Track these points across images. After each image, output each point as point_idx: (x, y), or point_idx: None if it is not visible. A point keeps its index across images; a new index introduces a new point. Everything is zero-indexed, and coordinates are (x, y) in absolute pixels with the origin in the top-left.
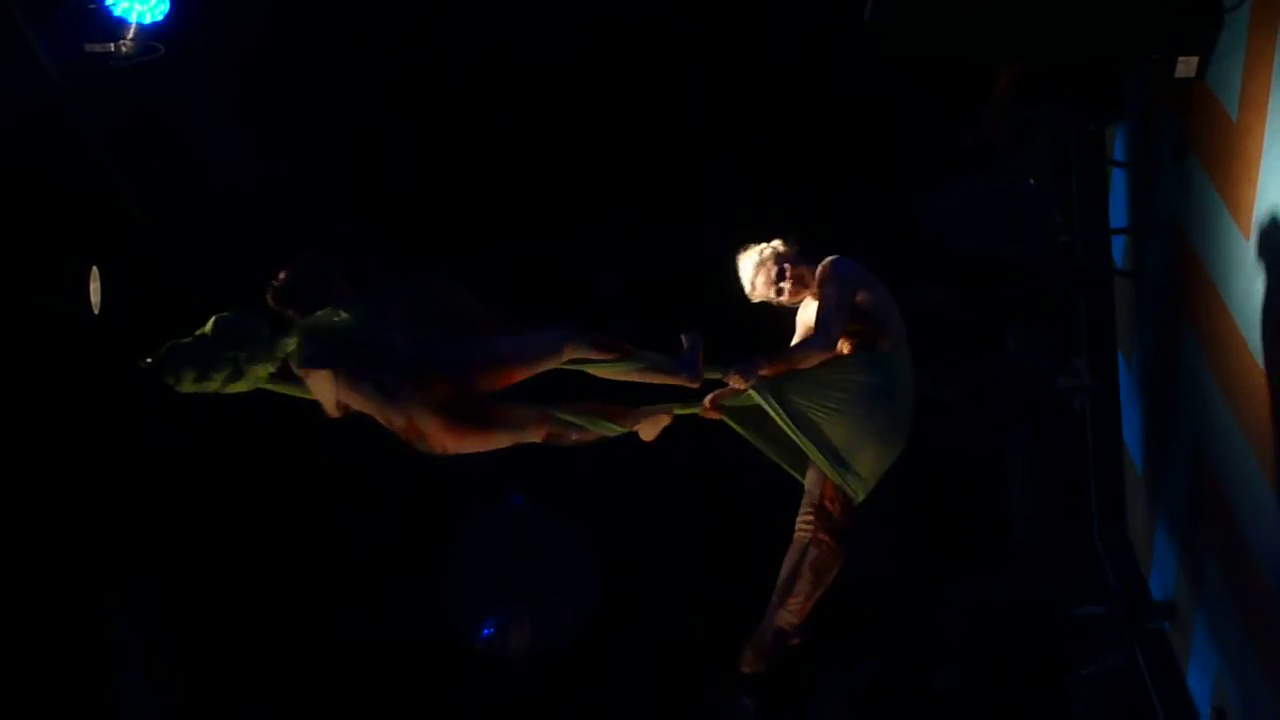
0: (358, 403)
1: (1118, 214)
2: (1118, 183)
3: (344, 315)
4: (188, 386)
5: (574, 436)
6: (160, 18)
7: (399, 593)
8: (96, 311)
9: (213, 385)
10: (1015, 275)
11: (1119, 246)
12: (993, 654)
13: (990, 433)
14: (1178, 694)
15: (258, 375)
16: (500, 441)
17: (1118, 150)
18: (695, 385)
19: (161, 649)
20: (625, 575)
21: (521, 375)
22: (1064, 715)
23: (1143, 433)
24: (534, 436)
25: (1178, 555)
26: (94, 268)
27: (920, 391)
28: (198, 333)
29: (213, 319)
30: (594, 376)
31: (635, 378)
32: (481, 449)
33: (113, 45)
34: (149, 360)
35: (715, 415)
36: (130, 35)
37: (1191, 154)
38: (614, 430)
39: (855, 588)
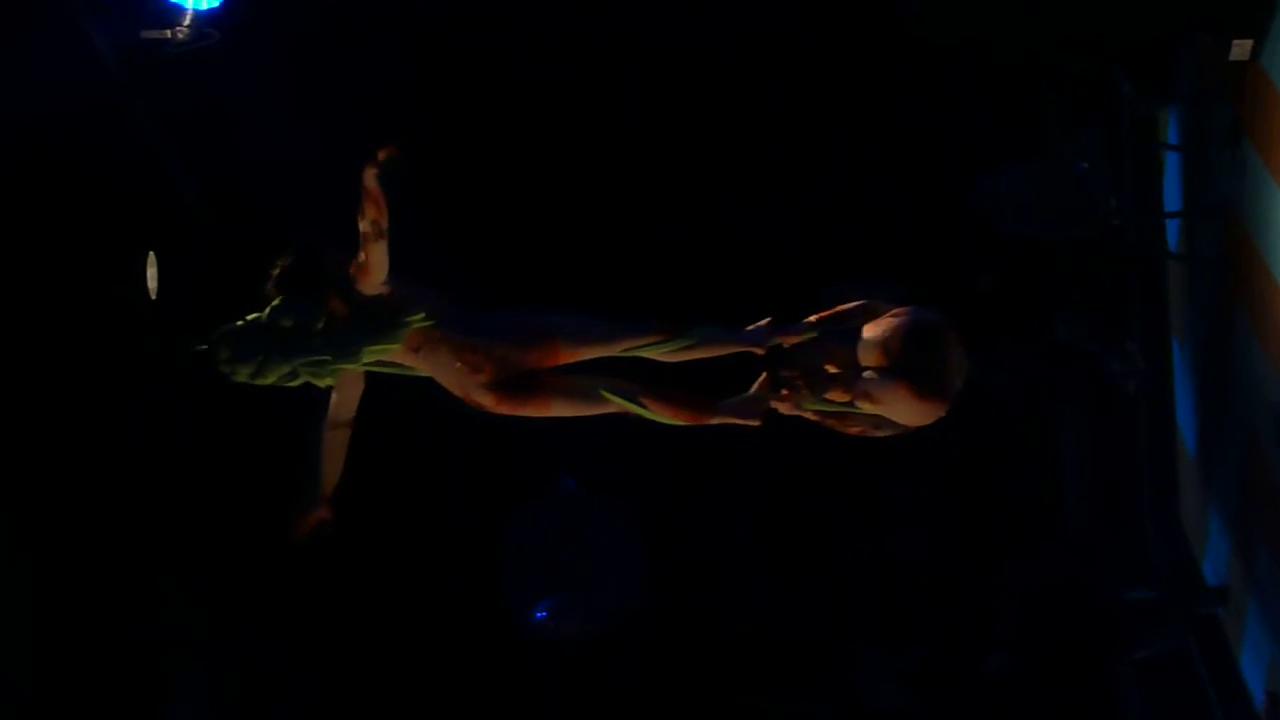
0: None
1: (1171, 197)
2: (1171, 166)
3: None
4: (241, 378)
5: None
6: (216, 4)
7: (452, 578)
8: (153, 297)
9: (267, 381)
10: (1067, 259)
11: (1172, 230)
12: (1044, 638)
13: (1042, 417)
14: (1231, 679)
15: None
16: (563, 411)
17: (1171, 133)
18: (760, 352)
19: (217, 635)
20: (676, 559)
21: (568, 358)
22: (1116, 700)
23: (1196, 417)
24: (605, 409)
25: (1231, 540)
26: (151, 254)
27: (972, 377)
28: (251, 317)
29: (269, 309)
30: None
31: (698, 354)
32: (543, 415)
33: (168, 32)
34: (203, 346)
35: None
36: (186, 22)
37: (1245, 137)
38: (677, 422)
39: (907, 571)
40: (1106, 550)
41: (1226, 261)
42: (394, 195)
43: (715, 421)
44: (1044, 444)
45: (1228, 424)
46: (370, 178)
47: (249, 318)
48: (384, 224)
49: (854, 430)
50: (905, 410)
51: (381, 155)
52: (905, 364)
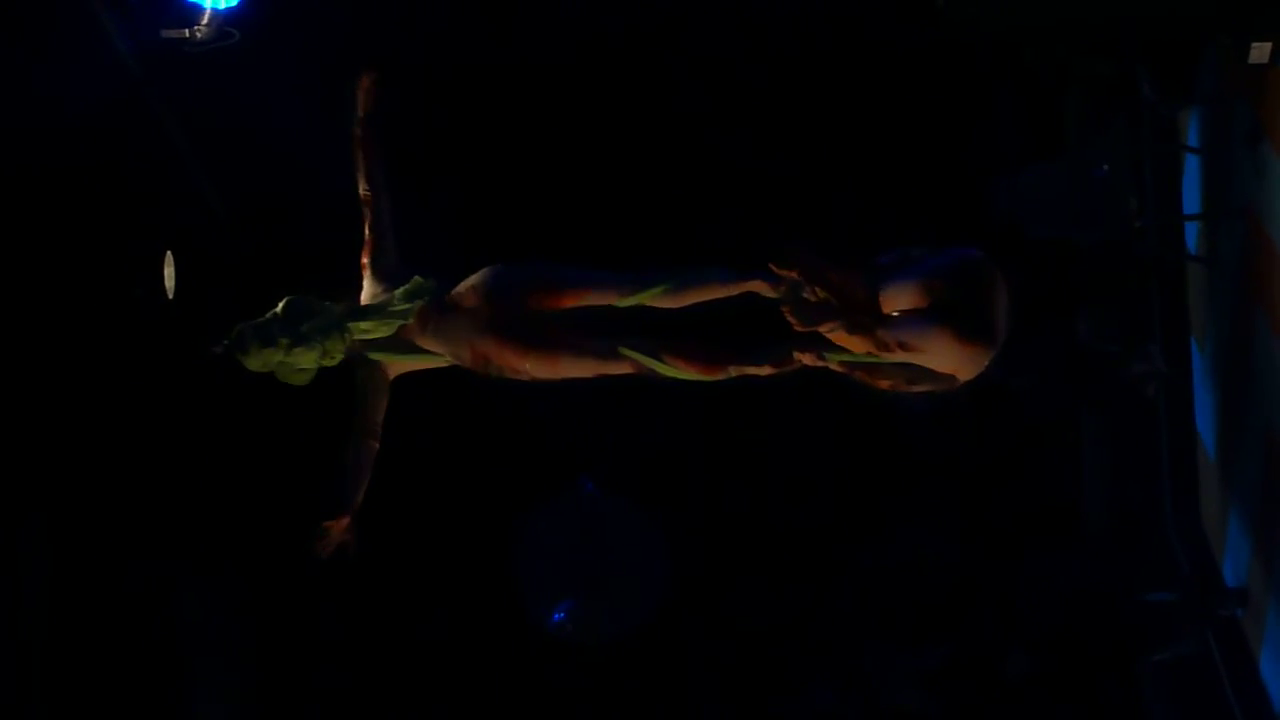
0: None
1: (1191, 199)
2: (1191, 168)
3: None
4: (253, 362)
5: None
6: (235, 3)
7: (471, 579)
8: (171, 296)
9: (277, 356)
10: (1088, 261)
11: (1192, 232)
12: (1065, 640)
13: (1062, 419)
14: (1251, 681)
15: (323, 353)
16: (573, 369)
17: (1191, 135)
18: (771, 292)
19: (235, 631)
20: (695, 561)
21: (571, 300)
22: (1136, 701)
23: (1216, 419)
24: (620, 369)
25: (1251, 542)
26: (169, 253)
27: (992, 378)
28: (269, 314)
29: (284, 300)
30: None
31: (708, 293)
32: (552, 373)
33: (187, 31)
34: (224, 343)
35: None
36: (205, 21)
37: (1265, 139)
38: (694, 377)
39: (928, 571)
40: (1126, 552)
41: (1246, 264)
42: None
43: (733, 372)
44: (1064, 445)
45: (1248, 426)
46: (361, 126)
47: (267, 315)
48: (380, 179)
49: (885, 384)
50: (948, 357)
51: (368, 87)
52: (947, 304)
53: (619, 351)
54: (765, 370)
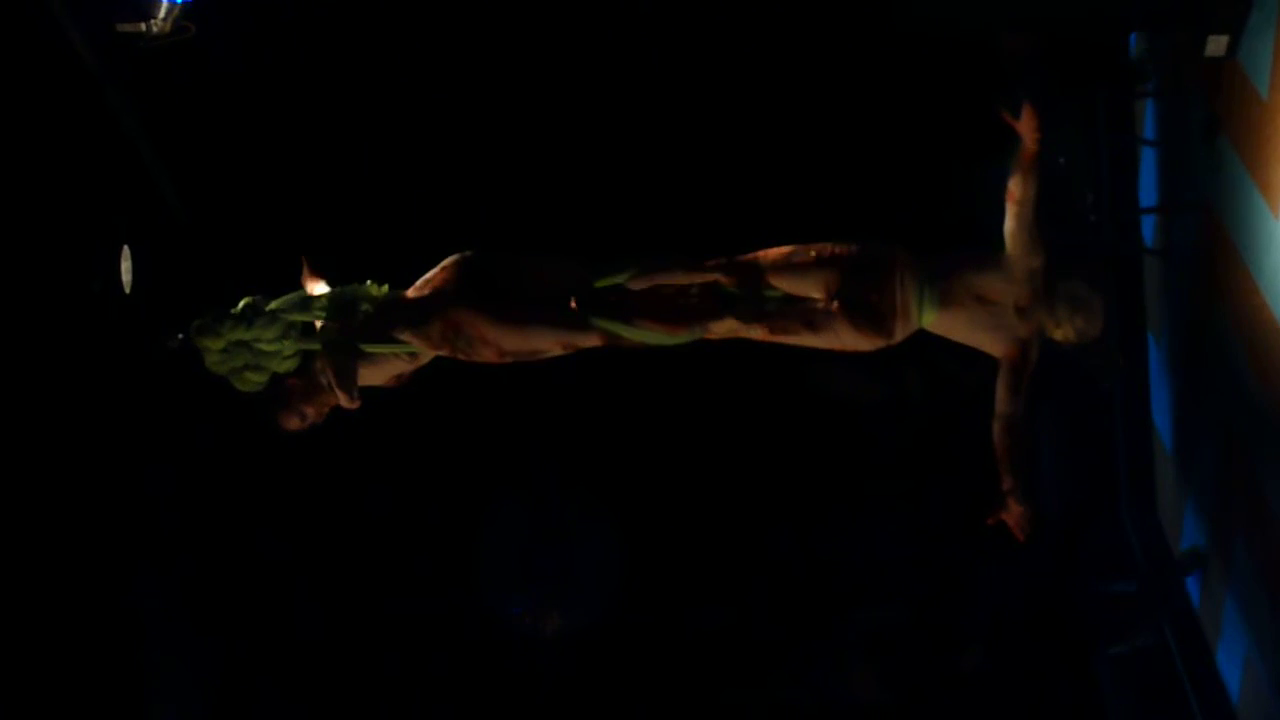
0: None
1: (1147, 193)
2: (1147, 161)
3: None
4: (213, 350)
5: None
6: None
7: (430, 572)
8: (127, 291)
9: (243, 334)
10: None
11: (1149, 225)
12: (1021, 632)
13: None
14: (1207, 672)
15: (285, 329)
16: (543, 340)
17: (1148, 129)
18: (726, 281)
19: (194, 625)
20: (652, 554)
21: (544, 279)
22: (1093, 693)
23: (1172, 412)
24: (588, 341)
25: (1207, 534)
26: (125, 247)
27: (949, 371)
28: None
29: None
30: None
31: (670, 279)
32: (522, 345)
33: (144, 25)
34: (179, 337)
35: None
36: (162, 15)
37: (1221, 133)
38: (667, 340)
39: (883, 566)
40: (1083, 544)
41: (1202, 257)
42: None
43: (697, 331)
44: None
45: (1204, 418)
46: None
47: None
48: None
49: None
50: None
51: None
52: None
53: (590, 321)
54: (726, 325)
